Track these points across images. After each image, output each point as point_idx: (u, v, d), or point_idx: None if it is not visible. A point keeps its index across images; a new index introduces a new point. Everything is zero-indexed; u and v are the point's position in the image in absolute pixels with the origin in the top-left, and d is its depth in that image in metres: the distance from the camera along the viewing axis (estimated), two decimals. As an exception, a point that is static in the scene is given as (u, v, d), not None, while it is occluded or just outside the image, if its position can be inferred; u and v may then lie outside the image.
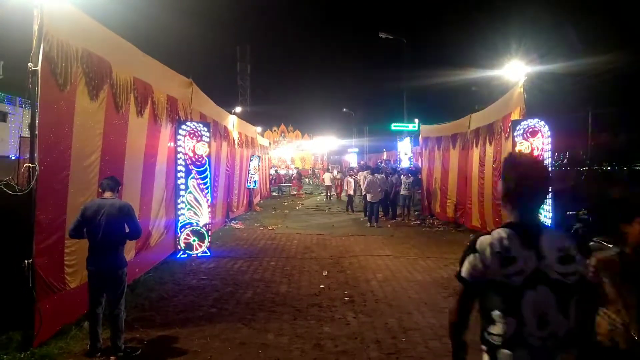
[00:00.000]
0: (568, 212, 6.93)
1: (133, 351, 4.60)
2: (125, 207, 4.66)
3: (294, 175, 38.47)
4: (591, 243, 5.96)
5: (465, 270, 2.04)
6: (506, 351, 1.95)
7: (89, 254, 4.58)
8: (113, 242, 4.57)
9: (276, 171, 36.80)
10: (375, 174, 15.06)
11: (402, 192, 15.42)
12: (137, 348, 4.69)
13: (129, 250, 6.67)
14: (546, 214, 8.46)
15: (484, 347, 2.04)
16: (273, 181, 29.96)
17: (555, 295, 1.95)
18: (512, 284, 1.94)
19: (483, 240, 2.02)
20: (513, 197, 2.10)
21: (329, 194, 24.39)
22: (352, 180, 18.94)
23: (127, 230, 4.65)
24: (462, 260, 2.08)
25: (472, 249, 2.04)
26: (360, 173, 17.15)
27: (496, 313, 1.97)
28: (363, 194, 15.91)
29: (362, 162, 38.05)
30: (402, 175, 15.96)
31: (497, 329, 1.97)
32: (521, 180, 2.07)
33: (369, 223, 14.24)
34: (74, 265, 5.19)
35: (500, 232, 2.02)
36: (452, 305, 2.13)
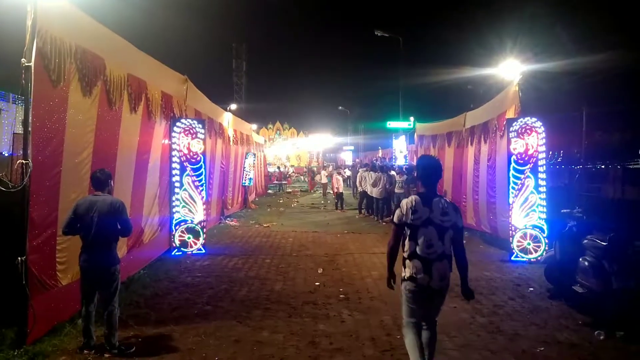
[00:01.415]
0: (562, 211, 6.95)
1: (127, 348, 4.59)
2: (116, 203, 4.62)
3: (290, 173, 38.45)
4: (585, 241, 6.00)
5: (396, 218, 3.87)
6: (408, 260, 3.81)
7: (81, 251, 4.55)
8: (105, 239, 4.55)
9: (278, 168, 36.80)
10: (375, 172, 15.11)
11: (396, 190, 15.43)
12: (132, 345, 4.67)
13: (121, 247, 6.64)
14: (542, 212, 8.51)
15: (403, 259, 3.88)
16: (271, 178, 29.95)
17: (437, 231, 3.73)
18: (414, 224, 3.75)
19: (403, 202, 3.87)
20: (420, 179, 4.04)
21: (325, 192, 24.39)
22: (340, 178, 18.90)
23: (118, 227, 4.62)
24: (393, 213, 3.95)
25: (398, 207, 3.90)
26: (361, 170, 17.07)
27: (406, 240, 3.81)
28: (361, 190, 15.93)
29: (357, 160, 38.09)
30: (397, 174, 15.95)
31: (406, 247, 3.82)
32: (424, 170, 4.02)
33: (381, 220, 14.41)
34: (65, 262, 5.17)
35: (412, 198, 3.84)
36: (390, 237, 3.93)
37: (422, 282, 3.74)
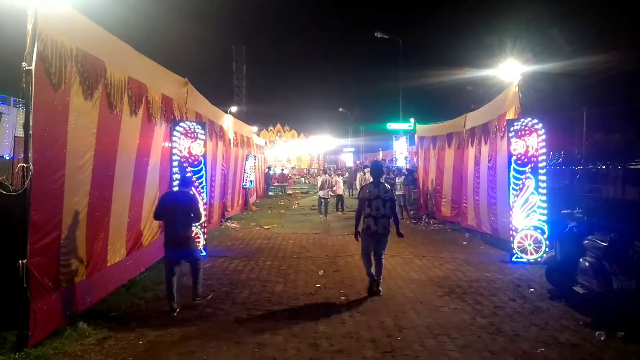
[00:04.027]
0: (563, 211, 6.95)
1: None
2: (192, 198, 6.43)
3: (291, 175, 38.35)
4: (585, 242, 6.00)
5: (360, 195, 7.08)
6: (366, 219, 6.71)
7: (165, 235, 6.07)
8: (183, 222, 6.06)
9: (282, 170, 36.89)
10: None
11: (397, 192, 15.54)
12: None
13: (119, 249, 6.67)
14: (542, 213, 8.51)
15: (363, 218, 6.78)
16: (271, 180, 29.98)
17: (382, 202, 6.65)
18: (370, 198, 6.68)
19: (363, 187, 7.08)
20: (372, 174, 7.11)
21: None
22: (340, 180, 18.91)
23: (192, 215, 6.12)
24: (359, 194, 7.35)
25: (361, 190, 7.18)
26: (366, 170, 17.10)
27: (366, 208, 6.69)
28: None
29: (357, 162, 38.10)
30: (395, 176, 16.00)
31: (365, 212, 6.71)
32: (373, 169, 7.21)
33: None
34: (68, 265, 5.18)
35: (368, 184, 6.94)
36: (357, 207, 7.01)
37: (373, 229, 6.67)
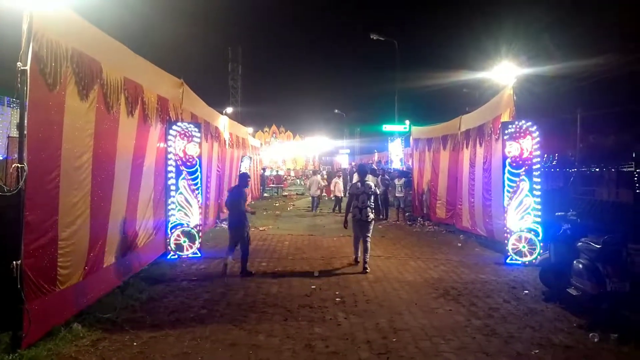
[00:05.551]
0: (557, 213, 6.99)
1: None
2: (241, 192, 8.24)
3: (287, 176, 38.32)
4: (579, 244, 6.03)
5: (350, 191, 9.17)
6: (352, 208, 8.60)
7: (229, 219, 8.35)
8: (236, 214, 8.04)
9: (277, 172, 36.94)
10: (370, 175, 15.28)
11: (397, 194, 15.65)
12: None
13: (116, 251, 6.63)
14: (536, 215, 8.56)
15: (352, 208, 8.63)
16: (271, 181, 30.00)
17: (367, 196, 8.47)
18: (357, 193, 8.54)
19: (353, 184, 9.20)
20: (358, 174, 9.39)
21: (320, 195, 24.40)
22: (339, 181, 18.97)
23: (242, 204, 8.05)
24: (349, 190, 9.79)
25: (351, 187, 9.19)
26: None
27: (354, 201, 8.55)
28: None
29: (352, 163, 38.13)
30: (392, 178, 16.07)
31: (353, 204, 8.58)
32: (359, 169, 9.80)
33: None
34: (68, 267, 5.17)
35: (356, 183, 8.85)
36: (348, 200, 9.03)
37: (358, 217, 8.40)
